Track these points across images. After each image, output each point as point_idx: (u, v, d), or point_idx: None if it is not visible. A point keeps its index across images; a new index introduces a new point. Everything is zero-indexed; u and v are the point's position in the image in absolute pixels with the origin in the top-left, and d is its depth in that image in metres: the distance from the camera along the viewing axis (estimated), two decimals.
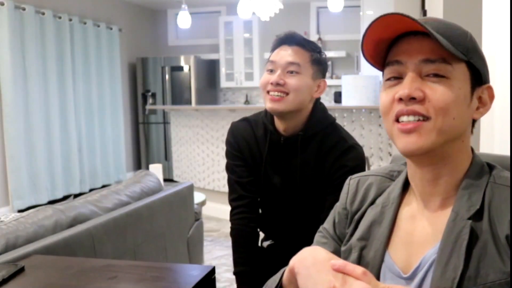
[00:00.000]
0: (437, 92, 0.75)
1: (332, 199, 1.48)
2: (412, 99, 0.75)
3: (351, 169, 1.44)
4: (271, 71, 1.50)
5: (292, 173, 1.56)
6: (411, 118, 0.75)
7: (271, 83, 1.47)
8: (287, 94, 1.47)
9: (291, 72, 1.47)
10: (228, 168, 1.67)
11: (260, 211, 1.69)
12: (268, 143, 1.58)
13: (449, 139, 0.77)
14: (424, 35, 0.76)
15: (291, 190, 1.57)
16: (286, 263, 1.20)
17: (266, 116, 1.60)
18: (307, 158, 1.54)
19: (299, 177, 1.55)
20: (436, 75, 0.76)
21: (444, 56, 0.75)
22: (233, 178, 1.65)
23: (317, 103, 1.59)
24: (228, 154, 1.67)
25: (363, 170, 1.52)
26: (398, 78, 0.79)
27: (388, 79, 0.80)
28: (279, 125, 1.56)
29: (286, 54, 1.48)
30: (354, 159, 1.50)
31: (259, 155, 1.61)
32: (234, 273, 1.61)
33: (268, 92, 1.49)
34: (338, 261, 0.70)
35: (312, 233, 1.05)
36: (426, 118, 0.75)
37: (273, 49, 1.54)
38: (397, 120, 0.78)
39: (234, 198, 1.65)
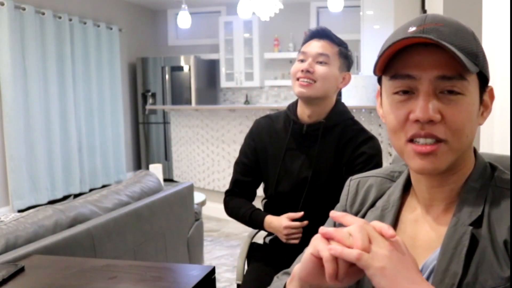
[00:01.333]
0: (453, 113, 0.72)
1: None
2: (430, 121, 0.72)
3: (369, 157, 1.59)
4: (302, 61, 1.62)
5: (309, 161, 1.64)
6: (428, 140, 0.73)
7: (302, 71, 1.60)
8: (314, 81, 1.59)
9: (320, 62, 1.60)
10: (235, 163, 1.81)
11: (271, 200, 1.74)
12: (291, 132, 1.68)
13: (462, 154, 0.76)
14: (436, 46, 0.71)
15: (307, 177, 1.63)
16: (289, 257, 1.19)
17: (289, 109, 1.72)
18: (326, 148, 1.63)
19: (314, 164, 1.62)
20: (451, 92, 0.72)
21: (460, 71, 0.71)
22: (234, 174, 1.80)
23: (339, 99, 1.73)
24: (241, 149, 1.80)
25: (380, 161, 1.62)
26: (409, 92, 0.74)
27: (396, 93, 0.76)
28: (304, 111, 1.66)
29: (316, 45, 1.62)
30: (373, 147, 1.62)
31: (277, 147, 1.70)
32: (249, 219, 1.70)
33: (298, 79, 1.61)
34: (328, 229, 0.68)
35: (320, 225, 1.05)
36: (442, 141, 0.73)
37: (304, 42, 1.66)
38: (410, 140, 0.75)
39: (228, 190, 1.81)
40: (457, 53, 0.69)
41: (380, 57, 0.74)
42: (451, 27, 0.74)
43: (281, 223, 1.60)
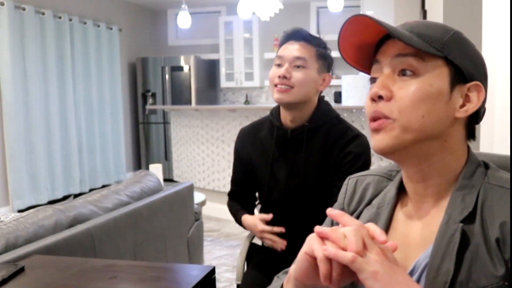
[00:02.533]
0: (404, 91, 0.74)
1: (340, 185, 1.53)
2: (380, 97, 0.75)
3: (356, 156, 1.55)
4: (279, 65, 1.57)
5: (297, 167, 1.61)
6: (379, 117, 0.76)
7: (279, 77, 1.55)
8: (292, 87, 1.54)
9: (298, 66, 1.54)
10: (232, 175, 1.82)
11: (265, 207, 1.73)
12: (276, 139, 1.64)
13: (423, 138, 0.75)
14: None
15: (296, 184, 1.61)
16: (288, 259, 1.19)
17: (273, 114, 1.67)
18: (313, 150, 1.60)
19: (303, 169, 1.59)
20: (406, 72, 0.75)
21: (415, 51, 0.74)
22: (231, 186, 1.82)
23: (322, 98, 1.67)
24: (233, 162, 1.80)
25: (368, 157, 1.60)
26: (377, 79, 0.78)
27: (370, 81, 0.81)
28: (286, 116, 1.62)
29: (293, 49, 1.55)
30: (359, 146, 1.58)
31: (264, 156, 1.67)
32: (236, 220, 1.76)
33: (275, 85, 1.57)
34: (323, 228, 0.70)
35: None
36: (390, 118, 0.75)
37: (280, 44, 1.60)
38: (371, 121, 0.78)
39: (229, 192, 1.84)
40: (392, 30, 0.72)
41: (338, 42, 0.79)
42: (423, 23, 0.79)
43: (255, 223, 1.63)
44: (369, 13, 5.34)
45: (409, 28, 0.76)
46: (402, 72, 0.75)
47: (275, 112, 1.66)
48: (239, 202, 1.80)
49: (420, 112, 0.74)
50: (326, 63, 1.60)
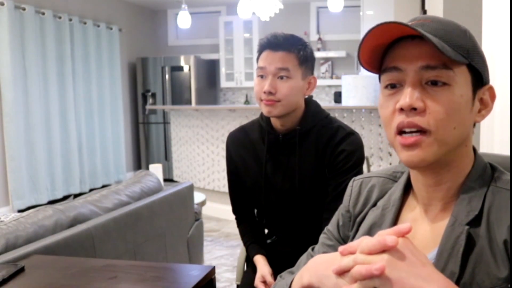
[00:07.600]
0: (438, 103, 0.72)
1: (335, 184, 1.54)
2: (413, 109, 0.72)
3: (349, 153, 1.53)
4: (262, 76, 1.52)
5: (291, 170, 1.59)
6: (412, 130, 0.73)
7: (264, 92, 1.50)
8: (279, 101, 1.50)
9: (282, 77, 1.49)
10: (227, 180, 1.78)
11: (263, 209, 1.72)
12: (267, 143, 1.61)
13: (453, 148, 0.75)
14: (422, 38, 0.72)
15: (292, 187, 1.59)
16: (288, 259, 1.19)
17: (262, 118, 1.64)
18: (306, 153, 1.58)
19: (298, 173, 1.57)
20: (436, 83, 0.73)
21: (444, 61, 0.72)
22: (229, 193, 1.78)
23: (310, 99, 1.64)
24: (226, 167, 1.75)
25: (362, 155, 1.59)
26: (396, 85, 0.76)
27: (386, 87, 0.78)
28: (277, 122, 1.60)
29: (274, 59, 1.49)
30: (352, 144, 1.55)
31: (257, 159, 1.64)
32: (246, 249, 1.72)
33: (261, 100, 1.52)
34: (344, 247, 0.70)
35: (314, 228, 1.04)
36: (426, 132, 0.73)
37: (259, 53, 1.54)
38: (399, 133, 0.75)
39: (232, 210, 1.78)
40: (436, 42, 0.70)
41: (360, 46, 0.76)
42: (439, 23, 0.76)
43: (259, 274, 1.59)
44: (369, 13, 5.34)
45: (432, 32, 0.73)
46: (432, 82, 0.73)
47: (265, 116, 1.62)
48: (247, 226, 1.75)
49: (452, 124, 0.73)
50: (309, 65, 1.55)
